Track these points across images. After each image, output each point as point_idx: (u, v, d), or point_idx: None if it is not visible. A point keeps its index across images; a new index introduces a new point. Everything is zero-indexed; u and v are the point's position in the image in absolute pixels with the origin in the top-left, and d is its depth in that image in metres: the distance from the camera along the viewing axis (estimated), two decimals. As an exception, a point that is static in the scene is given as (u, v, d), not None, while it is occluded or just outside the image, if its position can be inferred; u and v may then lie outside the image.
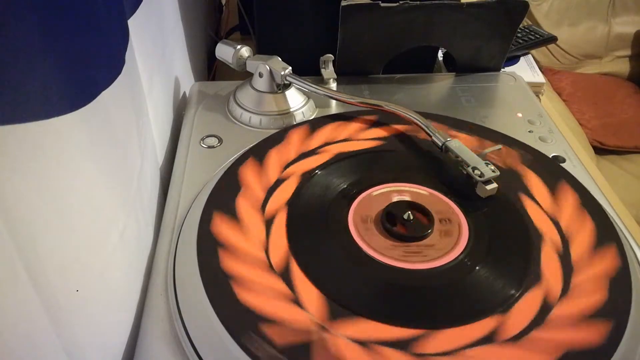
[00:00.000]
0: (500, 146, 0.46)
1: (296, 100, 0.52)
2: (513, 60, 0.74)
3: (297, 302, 0.34)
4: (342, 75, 0.57)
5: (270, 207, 0.41)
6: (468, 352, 0.31)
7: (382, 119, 0.50)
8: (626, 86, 1.48)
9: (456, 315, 0.33)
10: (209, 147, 0.49)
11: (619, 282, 0.35)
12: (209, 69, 0.78)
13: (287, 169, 0.44)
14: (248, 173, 0.43)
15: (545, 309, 0.34)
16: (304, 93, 0.53)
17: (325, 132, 0.49)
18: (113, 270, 0.33)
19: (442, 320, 0.33)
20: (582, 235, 0.39)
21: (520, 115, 0.54)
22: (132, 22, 0.37)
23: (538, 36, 0.79)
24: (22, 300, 0.25)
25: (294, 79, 0.51)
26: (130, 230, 0.35)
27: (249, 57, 0.53)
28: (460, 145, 0.44)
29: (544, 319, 0.33)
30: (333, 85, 0.55)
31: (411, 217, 0.39)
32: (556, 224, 0.40)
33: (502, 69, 0.62)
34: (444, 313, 0.34)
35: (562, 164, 0.47)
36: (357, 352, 0.31)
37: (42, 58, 0.23)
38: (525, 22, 0.97)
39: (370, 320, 0.33)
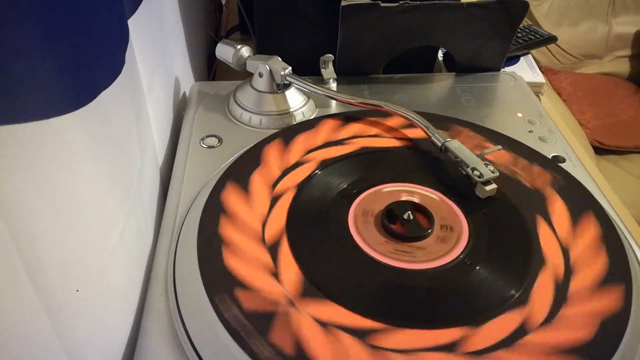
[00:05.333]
0: (499, 147, 0.46)
1: (296, 100, 0.52)
2: (513, 60, 0.74)
3: (293, 300, 0.34)
4: (342, 75, 0.57)
5: (271, 209, 0.41)
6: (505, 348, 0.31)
7: (382, 119, 0.50)
8: (626, 86, 1.48)
9: (455, 315, 0.33)
10: (209, 147, 0.49)
11: (619, 283, 0.35)
12: (209, 69, 0.78)
13: (287, 170, 0.44)
14: (248, 175, 0.44)
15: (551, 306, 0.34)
16: (304, 93, 0.53)
17: (325, 133, 0.49)
18: (113, 270, 0.33)
19: (440, 319, 0.33)
20: (582, 235, 0.39)
21: (520, 115, 0.54)
22: (132, 22, 0.37)
23: (538, 36, 0.79)
24: (22, 300, 0.25)
25: (294, 79, 0.51)
26: (130, 230, 0.35)
27: (249, 57, 0.53)
28: (460, 145, 0.44)
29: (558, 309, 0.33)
30: (333, 85, 0.55)
31: (411, 217, 0.39)
32: (555, 222, 0.40)
33: (502, 69, 0.62)
34: (444, 313, 0.34)
35: (562, 164, 0.47)
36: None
37: (42, 58, 0.23)
38: (525, 22, 0.97)
39: (367, 319, 0.33)
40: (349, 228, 0.39)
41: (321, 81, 0.54)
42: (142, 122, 0.39)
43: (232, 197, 0.41)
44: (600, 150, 1.27)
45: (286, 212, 0.40)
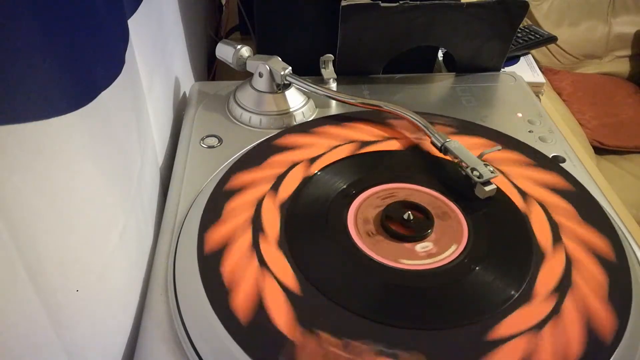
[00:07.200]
0: (499, 147, 0.46)
1: (296, 100, 0.52)
2: (513, 60, 0.74)
3: (293, 301, 0.34)
4: (342, 75, 0.57)
5: (270, 208, 0.41)
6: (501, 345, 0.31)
7: (382, 119, 0.50)
8: (626, 86, 1.48)
9: (468, 312, 0.33)
10: (209, 147, 0.49)
11: (619, 282, 0.35)
12: (209, 69, 0.78)
13: (287, 170, 0.44)
14: (249, 174, 0.44)
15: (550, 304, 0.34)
16: (304, 93, 0.53)
17: (325, 133, 0.49)
18: (113, 270, 0.33)
19: (443, 320, 0.33)
20: (582, 236, 0.39)
21: (520, 115, 0.54)
22: (132, 22, 0.37)
23: (538, 36, 0.79)
24: (22, 300, 0.25)
25: (294, 79, 0.51)
26: (130, 230, 0.35)
27: (249, 57, 0.53)
28: (460, 145, 0.44)
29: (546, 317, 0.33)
30: (333, 85, 0.55)
31: (411, 218, 0.39)
32: (556, 222, 0.40)
33: (502, 69, 0.62)
34: (444, 313, 0.34)
35: (562, 164, 0.47)
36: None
37: (42, 58, 0.23)
38: (525, 22, 0.97)
39: (367, 320, 0.33)
40: (348, 229, 0.39)
41: (321, 81, 0.54)
42: (142, 122, 0.39)
43: (232, 197, 0.41)
44: (600, 150, 1.26)
45: (286, 212, 0.40)
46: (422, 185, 0.43)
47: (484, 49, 0.59)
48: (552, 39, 0.81)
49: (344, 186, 0.43)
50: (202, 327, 0.33)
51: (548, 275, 0.36)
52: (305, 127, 0.50)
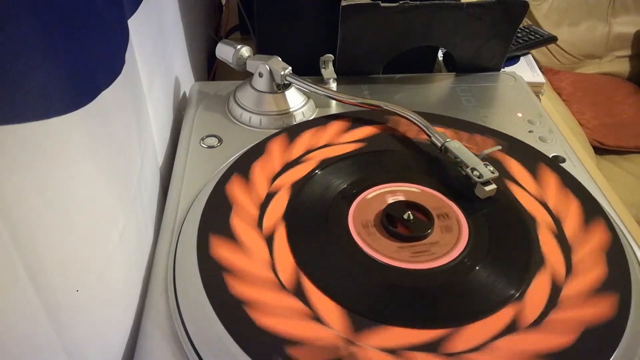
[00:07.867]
0: (500, 147, 0.46)
1: (296, 100, 0.52)
2: (513, 60, 0.74)
3: (291, 292, 0.34)
4: (342, 75, 0.57)
5: (270, 207, 0.41)
6: (494, 344, 0.31)
7: (382, 119, 0.50)
8: (626, 86, 1.48)
9: (468, 312, 0.33)
10: (209, 147, 0.49)
11: (619, 282, 0.35)
12: (209, 69, 0.78)
13: (287, 168, 0.44)
14: (251, 172, 0.44)
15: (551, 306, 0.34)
16: (304, 93, 0.53)
17: (325, 133, 0.49)
18: (113, 270, 0.33)
19: (462, 317, 0.33)
20: (581, 235, 0.39)
21: (520, 115, 0.54)
22: (132, 22, 0.37)
23: (538, 36, 0.79)
24: (22, 300, 0.25)
25: (294, 79, 0.51)
26: (130, 230, 0.35)
27: (249, 57, 0.53)
28: (460, 146, 0.44)
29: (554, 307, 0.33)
30: (333, 85, 0.55)
31: (411, 217, 0.39)
32: (556, 222, 0.40)
33: (502, 69, 0.62)
34: (444, 313, 0.34)
35: (562, 164, 0.47)
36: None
37: (42, 58, 0.23)
38: (525, 22, 0.97)
39: (365, 318, 0.33)
40: (348, 228, 0.39)
41: (321, 81, 0.54)
42: (142, 122, 0.39)
43: (232, 197, 0.41)
44: (600, 150, 1.26)
45: (286, 211, 0.40)
46: (422, 185, 0.43)
47: (484, 49, 0.59)
48: (552, 39, 0.81)
49: (345, 186, 0.43)
50: (202, 327, 0.33)
51: (546, 276, 0.36)
52: (305, 126, 0.49)
